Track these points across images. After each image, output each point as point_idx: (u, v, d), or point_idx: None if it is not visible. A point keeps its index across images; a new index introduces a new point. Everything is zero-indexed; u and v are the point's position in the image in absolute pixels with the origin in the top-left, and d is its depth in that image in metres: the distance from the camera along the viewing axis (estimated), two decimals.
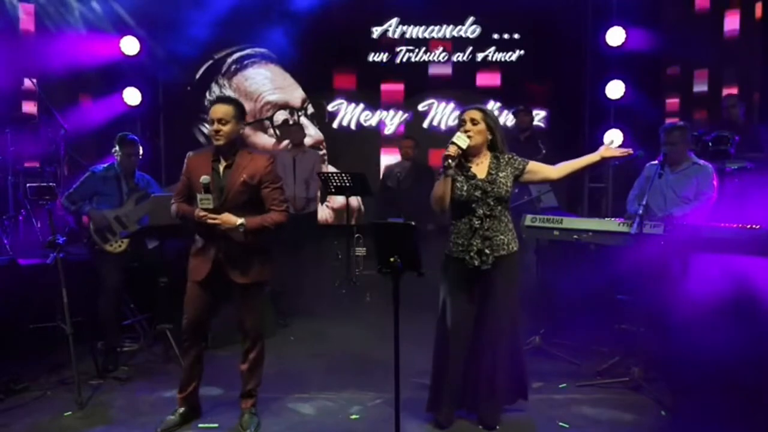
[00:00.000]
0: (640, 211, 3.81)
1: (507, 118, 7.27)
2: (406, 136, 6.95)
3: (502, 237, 3.28)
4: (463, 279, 3.30)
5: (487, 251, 3.23)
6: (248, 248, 3.28)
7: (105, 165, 4.62)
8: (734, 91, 6.32)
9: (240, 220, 3.17)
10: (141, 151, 4.69)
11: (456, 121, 3.41)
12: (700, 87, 6.95)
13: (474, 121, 3.28)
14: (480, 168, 3.31)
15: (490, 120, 3.33)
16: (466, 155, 3.27)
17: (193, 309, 3.35)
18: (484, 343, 3.34)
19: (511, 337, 3.37)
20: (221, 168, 3.29)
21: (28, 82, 6.37)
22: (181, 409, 3.47)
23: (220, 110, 3.24)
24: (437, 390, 3.42)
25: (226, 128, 3.23)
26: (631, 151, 3.34)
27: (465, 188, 3.25)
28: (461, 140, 3.17)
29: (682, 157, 4.44)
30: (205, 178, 3.17)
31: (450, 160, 3.13)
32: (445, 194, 3.22)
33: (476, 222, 3.25)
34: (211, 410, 3.66)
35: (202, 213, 3.17)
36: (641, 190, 4.44)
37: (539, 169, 3.40)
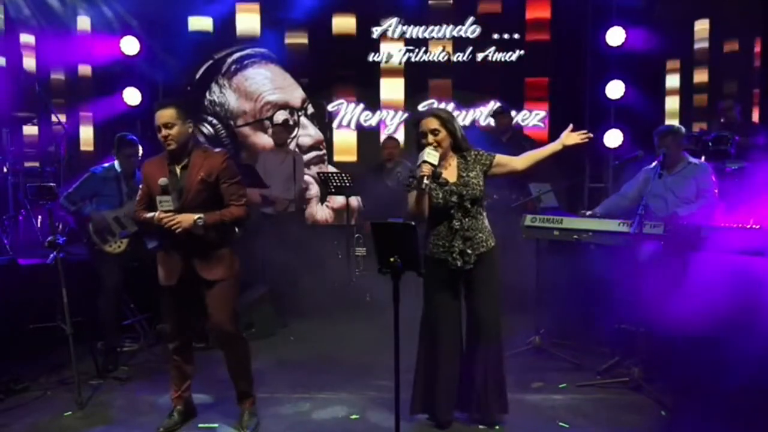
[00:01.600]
0: (640, 211, 3.81)
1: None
2: (389, 136, 6.94)
3: (480, 235, 3.29)
4: (446, 279, 3.31)
5: (468, 251, 3.24)
6: (212, 245, 3.27)
7: (105, 166, 4.62)
8: (733, 87, 6.35)
9: (197, 216, 3.17)
10: (140, 152, 4.69)
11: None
12: (700, 86, 6.96)
13: (435, 132, 3.24)
14: (450, 172, 3.30)
15: (449, 124, 3.28)
16: (437, 166, 3.20)
17: (172, 317, 3.37)
18: (473, 340, 3.35)
19: (494, 337, 3.34)
20: (178, 170, 3.29)
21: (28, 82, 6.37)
22: (179, 407, 3.48)
23: (165, 115, 3.21)
24: (425, 391, 3.40)
25: (173, 131, 3.21)
26: (590, 134, 3.28)
27: (441, 195, 3.24)
28: (432, 157, 3.10)
29: (676, 159, 4.47)
30: (162, 180, 3.16)
31: (426, 180, 3.07)
32: (423, 209, 3.21)
33: (456, 224, 3.25)
34: (211, 410, 3.66)
35: (163, 215, 3.15)
36: (637, 190, 4.45)
37: (506, 162, 3.38)
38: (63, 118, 6.67)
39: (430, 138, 3.23)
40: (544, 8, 7.37)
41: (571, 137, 3.33)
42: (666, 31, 6.80)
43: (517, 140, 5.97)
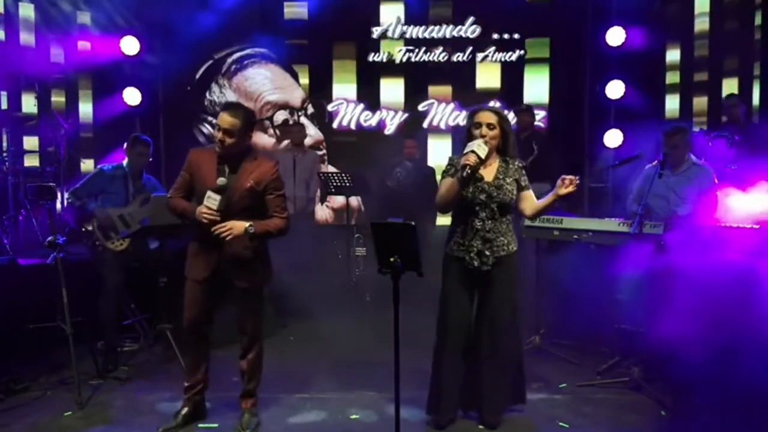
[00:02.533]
0: (640, 211, 3.81)
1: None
2: (409, 135, 6.94)
3: (502, 238, 3.27)
4: (462, 278, 3.30)
5: (487, 252, 3.23)
6: (250, 252, 3.27)
7: (114, 164, 4.65)
8: (734, 85, 6.34)
9: (248, 224, 3.15)
10: (151, 153, 4.71)
11: (458, 122, 3.38)
12: (701, 85, 6.95)
13: (491, 126, 3.22)
14: (488, 171, 3.28)
15: (505, 124, 3.28)
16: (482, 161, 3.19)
17: (194, 308, 3.34)
18: (485, 341, 3.34)
19: (510, 336, 3.37)
20: (227, 169, 3.26)
21: (28, 82, 6.37)
22: (185, 410, 3.46)
23: (227, 121, 3.18)
24: (438, 391, 3.41)
25: (230, 140, 3.19)
26: (578, 181, 3.21)
27: (471, 190, 3.22)
28: (481, 149, 3.10)
29: (681, 159, 4.43)
30: (221, 180, 3.13)
31: (468, 170, 3.06)
32: (454, 199, 3.19)
33: (478, 223, 3.24)
34: (211, 410, 3.65)
35: (205, 210, 3.11)
36: (640, 191, 4.43)
37: (526, 198, 3.36)
38: (63, 118, 6.67)
39: (484, 130, 3.21)
40: (544, 8, 7.37)
41: (563, 189, 3.22)
42: (665, 29, 6.82)
43: (529, 141, 5.98)
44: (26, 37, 6.62)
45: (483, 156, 3.10)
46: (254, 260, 3.31)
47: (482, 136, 3.19)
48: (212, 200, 3.13)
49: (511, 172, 3.30)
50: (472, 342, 3.38)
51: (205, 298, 3.34)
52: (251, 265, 3.31)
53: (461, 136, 3.39)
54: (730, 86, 6.58)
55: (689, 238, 3.80)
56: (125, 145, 4.62)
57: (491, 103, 7.24)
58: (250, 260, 3.29)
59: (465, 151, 3.12)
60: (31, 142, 6.53)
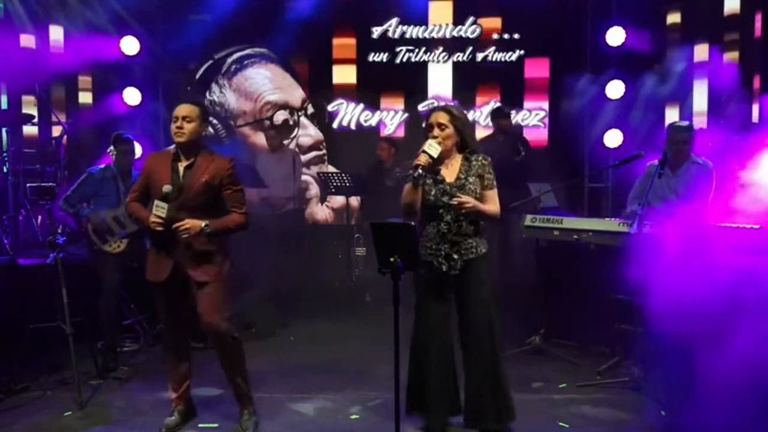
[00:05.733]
0: (640, 211, 3.80)
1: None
2: (383, 138, 6.92)
3: (470, 240, 3.22)
4: (434, 281, 3.24)
5: (455, 256, 3.19)
6: (202, 246, 3.26)
7: (101, 166, 4.65)
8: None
9: (204, 222, 3.16)
10: (136, 150, 4.72)
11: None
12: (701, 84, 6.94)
13: (442, 126, 3.18)
14: (450, 171, 3.24)
15: (458, 122, 3.22)
16: (436, 161, 3.15)
17: (165, 310, 3.37)
18: (466, 347, 3.29)
19: (489, 344, 3.27)
20: (181, 168, 3.28)
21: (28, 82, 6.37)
22: (179, 407, 3.48)
23: (186, 108, 3.25)
24: (417, 393, 3.32)
25: (189, 126, 3.23)
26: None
27: (433, 193, 3.19)
28: (432, 149, 3.06)
29: (684, 158, 4.37)
30: (167, 187, 3.14)
31: (420, 170, 3.03)
32: (414, 201, 3.15)
33: (444, 227, 3.19)
34: (211, 410, 3.66)
35: (154, 219, 3.13)
36: (641, 189, 4.42)
37: (486, 199, 3.23)
38: (63, 118, 6.66)
39: (436, 131, 3.17)
40: (545, 8, 7.36)
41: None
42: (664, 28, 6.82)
43: (512, 142, 5.96)
44: (26, 37, 6.62)
45: (435, 155, 3.06)
46: (211, 253, 3.29)
47: (434, 137, 3.15)
48: (160, 209, 3.13)
49: (474, 169, 3.23)
50: (451, 346, 3.32)
51: (171, 301, 3.35)
52: (209, 258, 3.28)
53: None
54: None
55: (688, 237, 3.80)
56: (110, 146, 4.62)
57: (491, 103, 7.38)
58: (209, 253, 3.28)
59: (417, 153, 3.10)
60: (31, 142, 6.53)
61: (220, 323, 3.30)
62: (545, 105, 7.52)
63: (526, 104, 7.54)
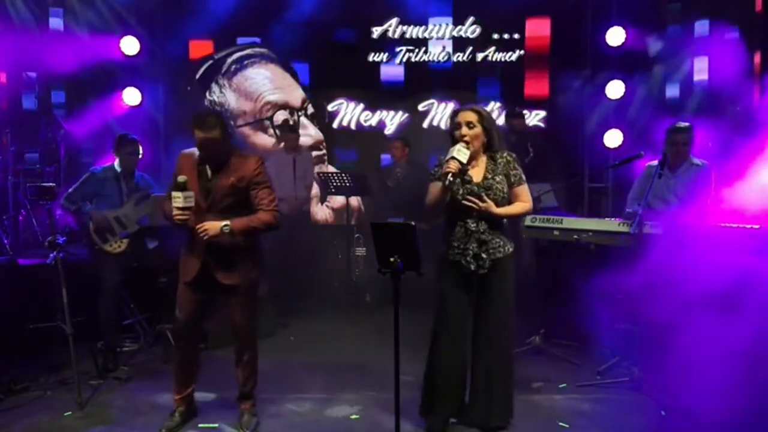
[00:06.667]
0: (640, 211, 3.80)
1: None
2: (398, 137, 6.92)
3: (497, 240, 3.23)
4: (459, 283, 3.25)
5: (483, 255, 3.18)
6: (235, 249, 3.25)
7: (104, 166, 4.64)
8: None
9: (224, 223, 3.14)
10: (141, 151, 4.70)
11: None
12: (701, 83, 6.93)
13: (470, 125, 3.16)
14: (476, 171, 3.24)
15: (486, 122, 3.21)
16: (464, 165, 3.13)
17: (184, 309, 3.36)
18: (482, 346, 3.31)
19: (507, 344, 3.32)
20: (209, 170, 3.27)
21: (28, 82, 6.37)
22: (181, 409, 3.48)
23: (202, 137, 3.16)
24: (432, 394, 3.35)
25: (212, 147, 3.19)
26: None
27: (460, 192, 3.17)
28: (461, 154, 3.04)
29: (683, 159, 4.39)
30: (181, 177, 3.12)
31: (451, 177, 3.01)
32: (443, 201, 3.14)
33: (472, 225, 3.19)
34: (211, 410, 3.66)
35: (177, 211, 3.09)
36: (640, 190, 4.42)
37: (515, 195, 3.28)
38: (63, 118, 6.66)
39: (464, 130, 3.15)
40: (544, 8, 7.36)
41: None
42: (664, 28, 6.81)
43: (524, 142, 5.96)
44: (26, 37, 6.61)
45: (464, 161, 3.04)
46: (241, 257, 3.29)
47: (462, 136, 3.14)
48: (177, 199, 3.08)
49: (500, 168, 3.25)
50: (469, 347, 3.34)
51: (194, 298, 3.34)
52: (238, 261, 3.28)
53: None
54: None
55: (688, 237, 3.80)
56: (114, 146, 4.61)
57: (491, 104, 7.37)
58: (237, 257, 3.28)
59: (447, 157, 3.07)
60: (31, 142, 6.53)
61: (250, 332, 3.39)
62: (545, 105, 7.52)
63: (526, 104, 7.53)
